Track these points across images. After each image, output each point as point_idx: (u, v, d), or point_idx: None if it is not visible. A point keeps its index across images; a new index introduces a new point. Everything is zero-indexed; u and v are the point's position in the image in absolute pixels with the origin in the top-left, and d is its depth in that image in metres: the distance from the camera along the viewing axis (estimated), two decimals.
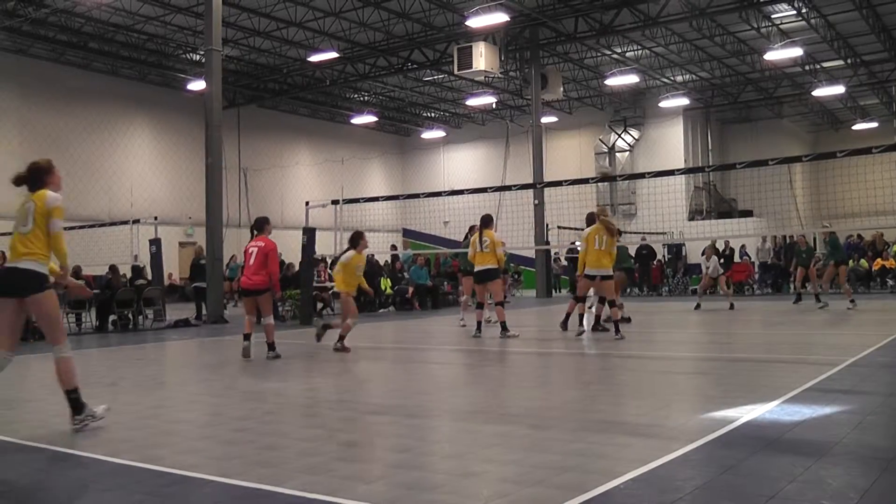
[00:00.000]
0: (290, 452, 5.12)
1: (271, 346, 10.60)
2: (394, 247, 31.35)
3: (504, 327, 12.52)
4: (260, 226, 10.85)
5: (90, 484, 4.56)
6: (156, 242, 19.33)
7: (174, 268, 28.43)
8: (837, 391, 6.98)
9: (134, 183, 30.39)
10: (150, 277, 18.97)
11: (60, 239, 5.91)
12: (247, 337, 10.71)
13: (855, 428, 5.46)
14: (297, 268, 19.86)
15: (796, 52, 27.36)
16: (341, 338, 11.18)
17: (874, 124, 37.59)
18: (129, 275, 18.54)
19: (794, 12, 25.17)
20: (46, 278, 5.85)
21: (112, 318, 16.79)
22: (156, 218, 21.25)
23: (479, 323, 12.96)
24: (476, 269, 12.78)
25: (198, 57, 28.30)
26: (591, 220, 12.37)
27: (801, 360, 9.53)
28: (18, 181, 6.05)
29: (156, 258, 19.25)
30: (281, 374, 9.71)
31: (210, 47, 18.99)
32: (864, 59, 30.67)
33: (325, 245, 19.81)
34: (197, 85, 27.81)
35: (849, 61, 30.02)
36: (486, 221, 12.81)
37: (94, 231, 22.10)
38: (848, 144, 26.22)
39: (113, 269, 17.75)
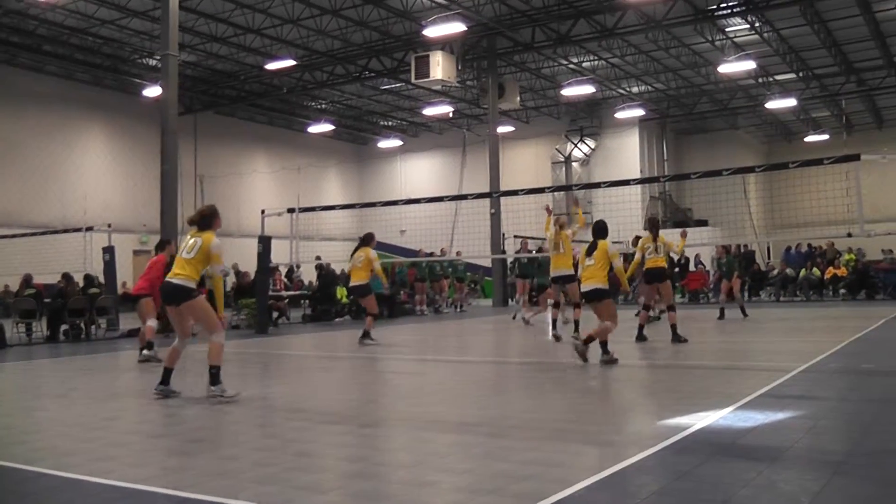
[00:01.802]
0: (244, 463, 5.06)
1: (149, 346, 11.26)
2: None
3: (367, 335, 13.35)
4: (162, 246, 12.36)
5: (37, 499, 4.45)
6: (109, 250, 19.01)
7: (128, 276, 27.97)
8: (790, 397, 7.09)
9: (88, 189, 29.89)
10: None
11: (220, 283, 7.85)
12: (150, 345, 11.29)
13: (807, 433, 5.55)
14: (252, 276, 19.63)
15: (750, 64, 27.91)
16: (604, 345, 9.74)
17: (825, 136, 38.38)
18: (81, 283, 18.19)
19: (748, 26, 25.62)
20: (193, 290, 7.48)
21: (64, 327, 16.43)
22: (109, 225, 20.91)
23: (365, 332, 13.60)
24: (350, 284, 14.26)
25: (154, 62, 27.93)
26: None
27: (754, 367, 9.65)
28: (192, 222, 7.71)
29: (109, 266, 18.93)
30: (235, 383, 9.59)
31: (167, 52, 18.79)
32: (815, 73, 31.30)
33: (280, 254, 19.60)
34: (153, 90, 27.44)
35: (801, 74, 30.61)
36: (366, 240, 13.98)
37: (46, 238, 21.68)
38: (800, 155, 26.67)
39: (67, 276, 17.39)
